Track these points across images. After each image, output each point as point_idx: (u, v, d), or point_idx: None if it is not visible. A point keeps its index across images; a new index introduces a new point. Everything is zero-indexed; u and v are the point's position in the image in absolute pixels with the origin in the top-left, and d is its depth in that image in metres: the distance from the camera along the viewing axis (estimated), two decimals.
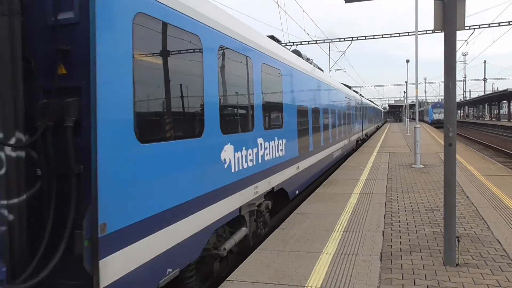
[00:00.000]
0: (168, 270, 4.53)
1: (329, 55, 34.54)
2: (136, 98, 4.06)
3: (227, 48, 6.31)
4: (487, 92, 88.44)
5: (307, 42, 32.12)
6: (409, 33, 30.89)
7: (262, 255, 6.22)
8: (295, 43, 31.68)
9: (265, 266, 5.76)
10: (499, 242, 6.48)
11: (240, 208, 6.57)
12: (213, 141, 5.64)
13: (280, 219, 9.44)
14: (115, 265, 3.68)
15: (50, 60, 3.73)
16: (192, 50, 5.31)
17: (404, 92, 64.91)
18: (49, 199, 3.66)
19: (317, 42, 32.16)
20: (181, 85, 5.00)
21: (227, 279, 5.37)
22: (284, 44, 25.77)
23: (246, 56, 7.13)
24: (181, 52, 5.08)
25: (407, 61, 40.77)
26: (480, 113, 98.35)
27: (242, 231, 6.71)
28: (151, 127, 4.44)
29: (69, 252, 3.54)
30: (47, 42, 3.74)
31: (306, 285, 5.12)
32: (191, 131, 5.19)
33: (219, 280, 6.35)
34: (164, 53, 4.72)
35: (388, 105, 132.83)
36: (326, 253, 6.22)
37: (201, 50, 5.45)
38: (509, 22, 28.74)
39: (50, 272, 3.47)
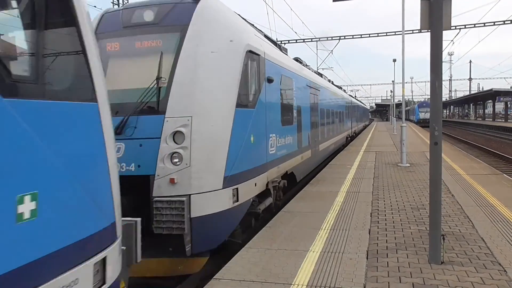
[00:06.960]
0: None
1: (316, 54, 34.66)
2: None
3: None
4: (472, 92, 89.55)
5: (294, 41, 32.16)
6: (396, 33, 31.17)
7: (249, 253, 6.21)
8: (283, 42, 31.67)
9: (252, 264, 5.75)
10: (483, 240, 6.56)
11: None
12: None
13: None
14: None
15: None
16: None
17: (391, 91, 65.36)
18: None
19: (305, 40, 32.24)
20: None
21: (214, 277, 5.35)
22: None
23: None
24: None
25: (394, 60, 41.03)
26: (466, 111, 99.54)
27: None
28: None
29: None
30: None
31: (293, 283, 5.13)
32: None
33: (206, 278, 6.31)
34: None
35: (375, 104, 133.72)
36: (313, 251, 6.23)
37: None
38: (494, 22, 29.16)
39: None
